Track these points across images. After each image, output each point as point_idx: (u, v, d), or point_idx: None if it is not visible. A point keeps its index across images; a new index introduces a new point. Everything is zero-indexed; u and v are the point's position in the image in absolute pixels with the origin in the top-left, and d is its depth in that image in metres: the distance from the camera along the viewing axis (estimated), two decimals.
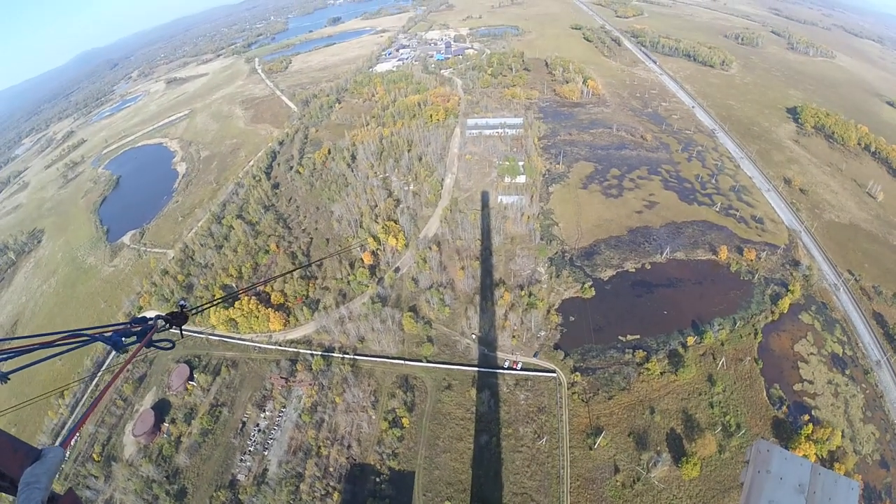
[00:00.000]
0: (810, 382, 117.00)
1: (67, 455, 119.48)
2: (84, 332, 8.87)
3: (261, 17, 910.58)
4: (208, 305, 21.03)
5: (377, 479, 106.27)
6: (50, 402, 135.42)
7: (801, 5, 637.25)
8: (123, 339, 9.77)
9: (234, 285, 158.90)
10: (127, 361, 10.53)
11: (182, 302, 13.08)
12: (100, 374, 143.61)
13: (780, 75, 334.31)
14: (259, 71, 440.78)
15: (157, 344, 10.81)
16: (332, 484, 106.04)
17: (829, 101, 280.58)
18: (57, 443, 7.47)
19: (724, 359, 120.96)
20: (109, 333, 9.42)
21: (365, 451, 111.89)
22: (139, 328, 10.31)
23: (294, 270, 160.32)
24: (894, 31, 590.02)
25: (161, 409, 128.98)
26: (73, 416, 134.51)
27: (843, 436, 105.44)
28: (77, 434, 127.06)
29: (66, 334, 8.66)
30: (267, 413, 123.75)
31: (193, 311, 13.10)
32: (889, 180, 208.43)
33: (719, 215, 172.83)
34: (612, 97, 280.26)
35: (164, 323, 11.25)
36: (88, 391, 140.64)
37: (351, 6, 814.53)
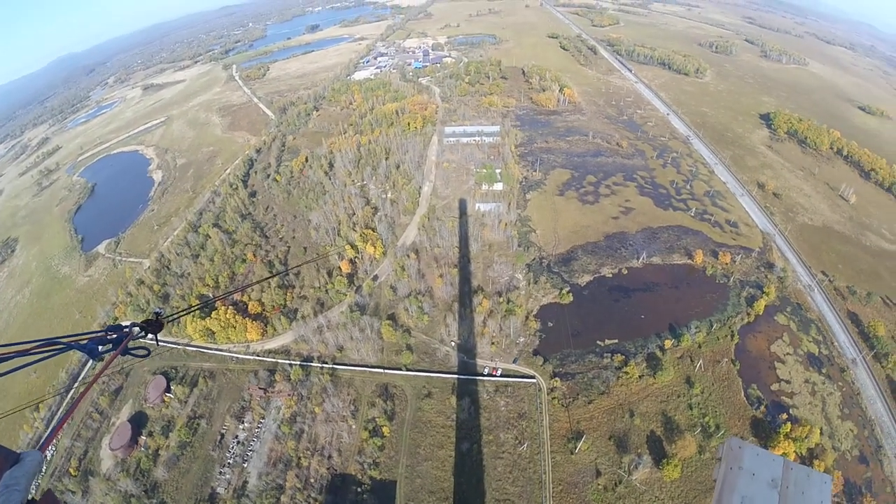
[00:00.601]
0: (787, 382, 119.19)
1: (45, 470, 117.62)
2: (59, 340, 8.85)
3: (239, 23, 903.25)
4: (184, 313, 20.84)
5: (359, 490, 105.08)
6: (25, 416, 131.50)
7: (775, 14, 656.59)
8: (99, 347, 9.73)
9: (210, 295, 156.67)
10: (102, 369, 10.36)
11: (157, 310, 13.04)
12: (75, 385, 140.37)
13: (753, 82, 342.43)
14: (236, 78, 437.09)
15: (132, 352, 10.72)
16: (312, 495, 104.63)
17: (801, 107, 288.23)
18: (36, 447, 7.41)
19: (701, 361, 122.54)
20: (85, 342, 9.37)
21: (346, 461, 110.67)
22: (115, 336, 10.23)
23: (270, 278, 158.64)
24: (866, 38, 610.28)
25: (138, 421, 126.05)
26: (49, 429, 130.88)
27: (821, 433, 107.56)
28: (56, 439, 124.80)
29: (41, 343, 8.60)
30: (246, 424, 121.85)
31: (169, 319, 13.01)
32: (861, 183, 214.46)
33: (694, 220, 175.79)
34: (588, 105, 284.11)
35: (139, 331, 11.13)
36: (64, 404, 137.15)
37: (329, 14, 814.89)
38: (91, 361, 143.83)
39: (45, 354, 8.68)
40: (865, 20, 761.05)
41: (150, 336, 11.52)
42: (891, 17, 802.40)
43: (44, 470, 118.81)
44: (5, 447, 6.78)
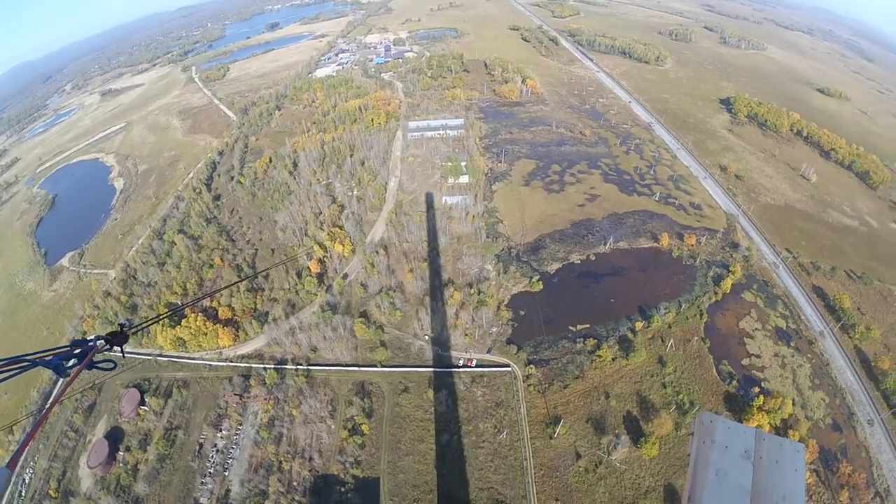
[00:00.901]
0: (757, 356, 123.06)
1: (24, 494, 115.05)
2: (24, 357, 8.68)
3: (197, 24, 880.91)
4: (150, 322, 20.46)
5: (342, 489, 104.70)
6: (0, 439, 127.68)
7: (734, 1, 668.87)
8: (64, 362, 9.55)
9: (179, 303, 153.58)
10: (66, 384, 10.19)
11: (123, 321, 12.88)
12: (48, 405, 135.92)
13: (713, 68, 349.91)
14: (196, 80, 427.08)
15: (98, 365, 10.53)
16: (296, 498, 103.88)
17: (761, 92, 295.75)
18: (4, 464, 7.39)
19: (672, 340, 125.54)
20: (50, 358, 9.22)
21: (327, 461, 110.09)
22: (79, 351, 10.09)
23: (238, 282, 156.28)
24: (824, 22, 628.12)
25: (114, 437, 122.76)
26: (25, 450, 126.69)
27: (794, 404, 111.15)
28: (33, 461, 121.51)
29: (5, 362, 8.47)
30: (224, 432, 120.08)
31: (133, 330, 12.77)
32: (822, 163, 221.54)
33: (659, 204, 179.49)
34: (550, 95, 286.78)
35: (104, 343, 10.98)
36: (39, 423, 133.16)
37: (289, 11, 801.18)
38: (62, 379, 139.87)
39: (11, 373, 8.53)
40: (823, 5, 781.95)
41: (117, 348, 11.35)
42: (848, 1, 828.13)
43: (22, 493, 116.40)
44: None
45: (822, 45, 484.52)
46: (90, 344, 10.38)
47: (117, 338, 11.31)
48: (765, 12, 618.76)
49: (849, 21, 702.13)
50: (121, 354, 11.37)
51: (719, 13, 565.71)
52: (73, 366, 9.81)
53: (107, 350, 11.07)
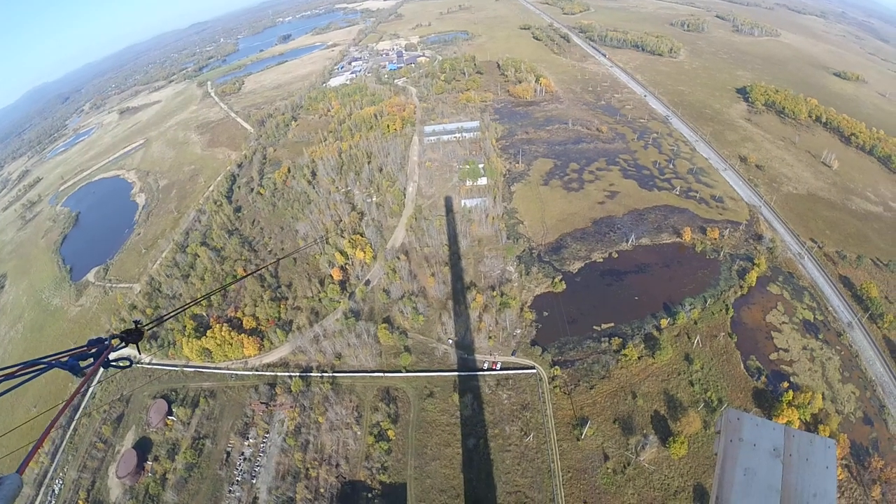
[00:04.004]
0: (786, 350, 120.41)
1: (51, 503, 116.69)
2: (41, 360, 8.79)
3: (210, 39, 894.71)
4: (164, 319, 20.61)
5: (369, 495, 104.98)
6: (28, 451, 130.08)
7: None
8: (80, 362, 9.57)
9: (204, 314, 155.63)
10: (82, 382, 10.18)
11: (137, 319, 12.96)
12: (77, 416, 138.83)
13: (727, 57, 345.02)
14: (212, 94, 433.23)
15: (114, 364, 10.67)
16: None
17: (777, 79, 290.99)
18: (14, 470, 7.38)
19: (698, 337, 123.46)
20: (66, 359, 9.25)
21: (354, 467, 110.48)
22: (95, 350, 10.14)
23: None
24: (836, 3, 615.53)
25: (143, 447, 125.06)
26: (55, 462, 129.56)
27: (823, 398, 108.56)
28: (54, 469, 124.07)
29: (22, 365, 8.56)
30: (251, 440, 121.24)
31: (148, 327, 12.93)
32: (842, 148, 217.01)
33: (680, 198, 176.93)
34: (565, 93, 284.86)
35: (119, 341, 11.02)
36: (67, 435, 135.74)
37: (300, 23, 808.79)
38: (89, 390, 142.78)
39: (28, 376, 8.63)
40: None
41: (130, 345, 11.42)
42: None
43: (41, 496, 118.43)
44: None
45: (835, 27, 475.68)
46: (105, 343, 10.42)
47: (132, 335, 11.42)
48: None
49: (861, 1, 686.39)
50: (137, 352, 11.28)
51: (730, 1, 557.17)
52: (89, 366, 9.87)
53: (121, 348, 11.11)
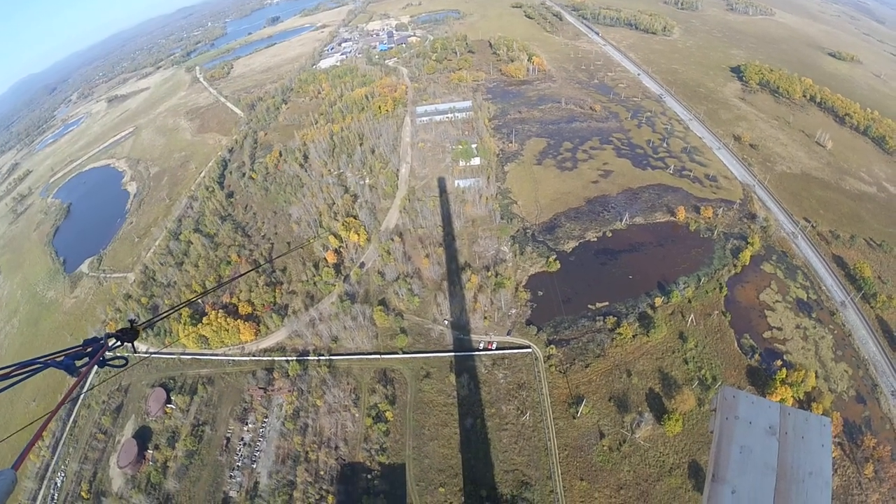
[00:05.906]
0: (779, 329, 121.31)
1: (56, 497, 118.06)
2: (37, 360, 8.79)
3: (198, 24, 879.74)
4: (159, 318, 20.60)
5: (369, 476, 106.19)
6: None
7: None
8: (76, 362, 9.61)
9: (200, 301, 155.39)
10: (76, 382, 10.17)
11: (132, 317, 13.01)
12: (75, 409, 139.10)
13: (721, 36, 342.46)
14: (201, 79, 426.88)
15: (109, 363, 10.66)
16: (324, 487, 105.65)
17: (771, 58, 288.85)
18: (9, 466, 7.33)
19: (692, 315, 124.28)
20: (61, 358, 9.27)
21: (353, 449, 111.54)
22: (90, 349, 10.12)
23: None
24: None
25: (143, 436, 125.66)
26: (56, 455, 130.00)
27: (816, 376, 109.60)
28: (52, 462, 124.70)
29: (17, 365, 8.54)
30: (250, 426, 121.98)
31: (143, 325, 12.84)
32: (837, 128, 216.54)
33: (674, 177, 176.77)
34: (558, 72, 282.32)
35: (114, 340, 11.04)
36: (67, 428, 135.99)
37: (289, 4, 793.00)
38: (87, 384, 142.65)
39: (24, 376, 8.59)
40: None
41: (125, 344, 11.52)
42: None
43: (55, 497, 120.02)
44: None
45: (831, 7, 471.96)
46: (100, 342, 10.43)
47: (127, 334, 11.44)
48: None
49: None
50: (132, 350, 11.34)
51: None
52: (84, 365, 9.87)
53: (117, 347, 11.11)
